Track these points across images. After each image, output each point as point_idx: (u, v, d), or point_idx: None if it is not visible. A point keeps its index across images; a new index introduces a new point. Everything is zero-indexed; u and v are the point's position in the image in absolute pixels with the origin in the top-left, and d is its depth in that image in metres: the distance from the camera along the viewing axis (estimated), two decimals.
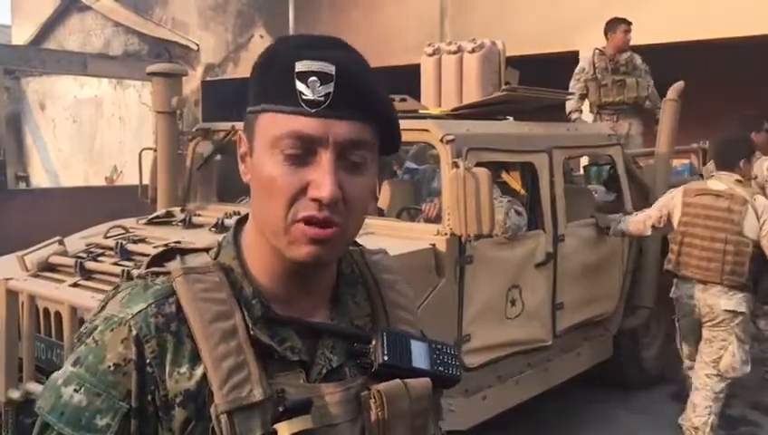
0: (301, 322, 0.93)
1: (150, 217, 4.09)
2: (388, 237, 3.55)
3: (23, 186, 13.55)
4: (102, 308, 0.92)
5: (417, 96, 4.52)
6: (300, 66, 0.85)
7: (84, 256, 3.47)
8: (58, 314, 3.20)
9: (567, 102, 5.98)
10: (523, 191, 4.12)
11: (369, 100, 0.88)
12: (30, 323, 3.20)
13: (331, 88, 0.85)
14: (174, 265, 0.92)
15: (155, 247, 3.32)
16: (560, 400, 4.70)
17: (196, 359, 0.86)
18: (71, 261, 3.40)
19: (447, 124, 3.73)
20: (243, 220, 0.98)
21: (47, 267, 3.46)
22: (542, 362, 4.18)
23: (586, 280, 4.38)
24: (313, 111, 0.85)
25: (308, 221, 0.86)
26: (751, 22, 6.80)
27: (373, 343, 0.94)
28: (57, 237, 3.61)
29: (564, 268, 4.15)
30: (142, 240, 3.60)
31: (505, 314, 3.79)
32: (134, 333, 0.86)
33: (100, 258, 3.47)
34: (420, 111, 4.19)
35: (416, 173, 4.97)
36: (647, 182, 5.04)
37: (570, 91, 6.01)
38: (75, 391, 0.85)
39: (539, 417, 4.56)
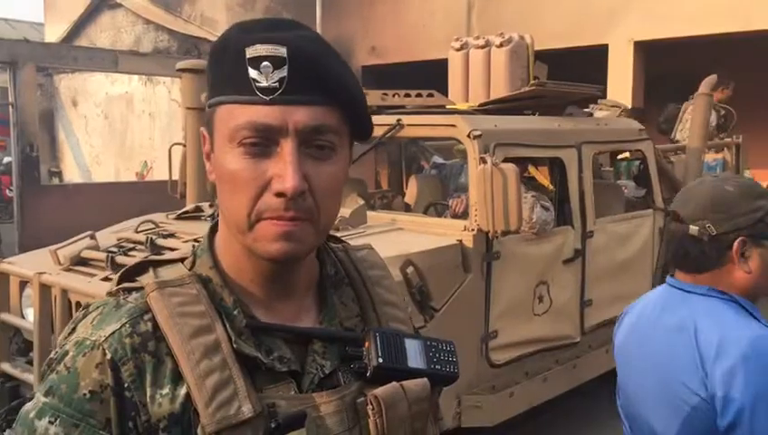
0: (288, 329, 0.87)
1: (179, 212, 4.13)
2: (415, 233, 3.55)
3: (55, 181, 13.79)
4: (72, 331, 0.85)
5: (444, 91, 4.50)
6: (250, 52, 0.79)
7: (115, 250, 3.52)
8: None
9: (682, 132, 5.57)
10: (551, 187, 4.09)
11: (329, 81, 0.82)
12: (63, 317, 3.25)
13: (285, 72, 0.79)
14: (147, 280, 0.86)
15: (184, 242, 3.36)
16: (587, 397, 4.65)
17: (178, 378, 0.80)
18: (102, 255, 3.45)
19: (475, 119, 3.71)
20: (216, 226, 0.92)
21: (79, 261, 3.51)
22: (569, 360, 4.15)
23: (615, 277, 4.33)
24: (269, 98, 0.79)
25: (274, 219, 0.81)
26: None
27: (366, 345, 0.88)
28: (89, 232, 3.66)
29: (593, 265, 4.11)
30: (172, 235, 3.64)
31: (533, 310, 3.76)
32: (108, 356, 0.80)
33: (130, 253, 3.51)
34: (447, 106, 4.18)
35: (443, 168, 4.96)
36: (677, 177, 4.96)
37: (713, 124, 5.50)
38: (51, 423, 0.78)
39: (565, 414, 4.53)
